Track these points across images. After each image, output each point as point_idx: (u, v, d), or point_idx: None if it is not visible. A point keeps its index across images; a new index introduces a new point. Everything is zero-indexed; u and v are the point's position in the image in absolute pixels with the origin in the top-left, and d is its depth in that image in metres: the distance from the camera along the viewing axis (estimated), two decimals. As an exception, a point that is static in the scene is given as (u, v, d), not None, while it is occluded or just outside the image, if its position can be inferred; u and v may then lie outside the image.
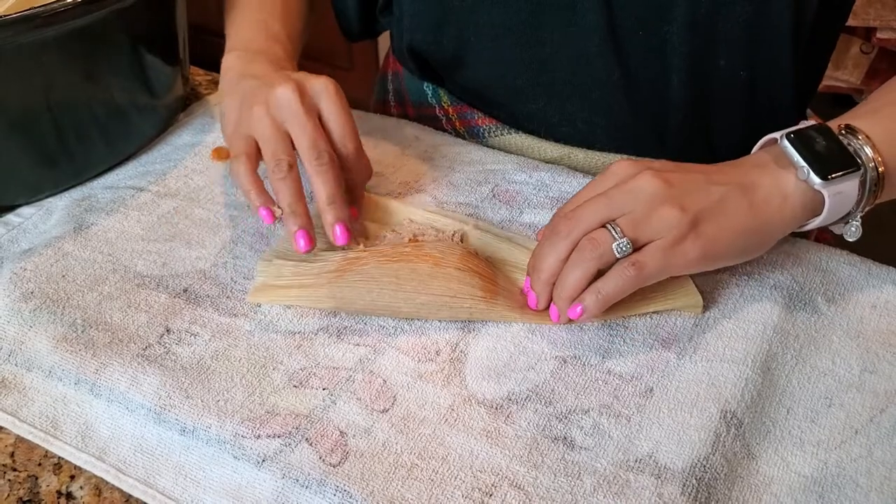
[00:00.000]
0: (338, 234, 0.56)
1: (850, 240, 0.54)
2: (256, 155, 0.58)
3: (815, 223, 0.53)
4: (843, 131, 0.53)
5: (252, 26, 0.69)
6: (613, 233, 0.50)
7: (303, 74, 0.60)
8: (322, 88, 0.58)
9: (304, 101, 0.57)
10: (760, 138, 0.56)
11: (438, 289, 0.53)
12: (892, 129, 0.53)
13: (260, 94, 0.58)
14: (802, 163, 0.51)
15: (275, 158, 0.56)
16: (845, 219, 0.54)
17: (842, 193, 0.51)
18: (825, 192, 0.51)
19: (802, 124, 0.54)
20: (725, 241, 0.51)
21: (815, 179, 0.50)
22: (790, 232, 0.54)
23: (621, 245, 0.49)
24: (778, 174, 0.52)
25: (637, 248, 0.50)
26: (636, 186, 0.51)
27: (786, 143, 0.52)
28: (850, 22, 0.70)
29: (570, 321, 0.53)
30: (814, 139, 0.52)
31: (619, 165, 0.53)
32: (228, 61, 0.66)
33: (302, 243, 0.55)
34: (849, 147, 0.52)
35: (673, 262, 0.50)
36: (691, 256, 0.50)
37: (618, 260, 0.50)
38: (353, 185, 0.61)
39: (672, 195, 0.50)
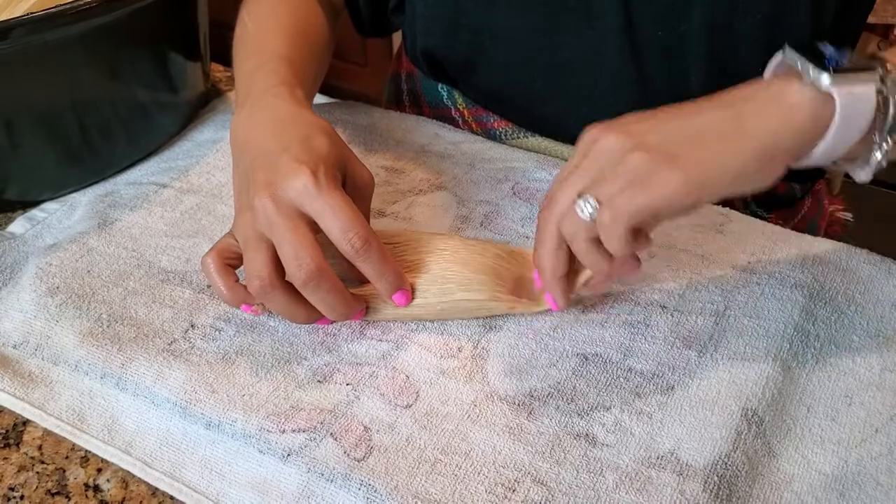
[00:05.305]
0: (397, 301, 0.53)
1: (864, 178, 0.47)
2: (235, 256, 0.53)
3: (826, 142, 0.45)
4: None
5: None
6: (584, 204, 0.46)
7: (283, 170, 0.49)
8: (297, 193, 0.48)
9: (281, 209, 0.49)
10: None
11: (459, 294, 0.53)
12: None
13: (250, 189, 0.51)
14: (808, 63, 0.45)
15: (295, 262, 0.48)
16: (865, 154, 0.47)
17: (854, 96, 0.44)
18: (835, 93, 0.44)
19: None
20: (714, 162, 0.45)
21: (824, 77, 0.44)
22: (802, 151, 0.46)
23: (583, 206, 0.46)
24: (779, 84, 0.46)
25: None
26: (598, 150, 0.47)
27: (789, 49, 0.46)
28: (869, 19, 0.70)
29: (567, 306, 0.53)
30: (822, 51, 0.46)
31: (587, 134, 0.49)
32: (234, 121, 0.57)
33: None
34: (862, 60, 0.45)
35: (652, 194, 0.44)
36: (675, 183, 0.44)
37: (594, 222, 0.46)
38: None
39: (636, 142, 0.46)
